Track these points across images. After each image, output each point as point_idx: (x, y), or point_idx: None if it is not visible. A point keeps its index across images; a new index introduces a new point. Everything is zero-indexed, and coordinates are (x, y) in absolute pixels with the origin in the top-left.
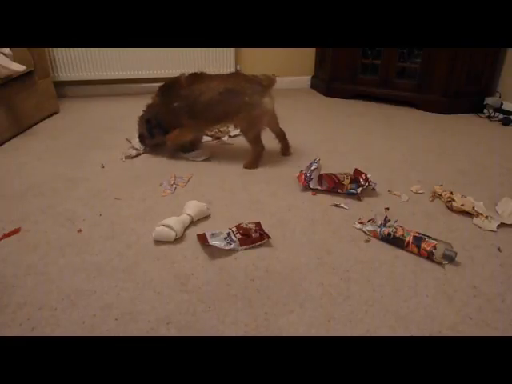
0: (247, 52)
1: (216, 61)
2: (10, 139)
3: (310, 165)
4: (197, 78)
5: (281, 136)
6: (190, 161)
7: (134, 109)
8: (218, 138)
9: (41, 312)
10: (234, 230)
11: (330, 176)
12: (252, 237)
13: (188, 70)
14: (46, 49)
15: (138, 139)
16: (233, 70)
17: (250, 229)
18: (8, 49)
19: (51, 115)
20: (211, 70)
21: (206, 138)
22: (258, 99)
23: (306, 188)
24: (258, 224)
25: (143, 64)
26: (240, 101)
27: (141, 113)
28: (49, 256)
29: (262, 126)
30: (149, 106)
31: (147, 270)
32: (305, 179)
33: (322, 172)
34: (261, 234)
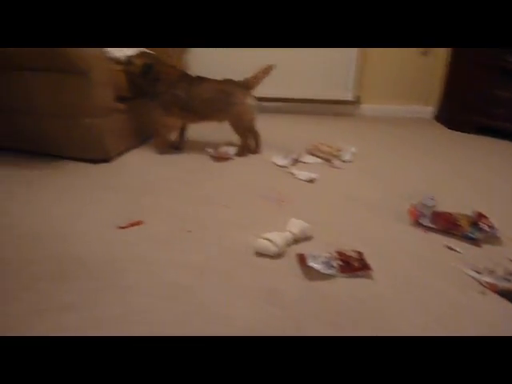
0: (368, 76)
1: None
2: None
3: (424, 200)
4: (200, 79)
5: (254, 135)
6: (297, 180)
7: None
8: (329, 161)
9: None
10: (335, 255)
11: (445, 214)
12: (352, 265)
13: None
14: None
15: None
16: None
17: (352, 257)
18: None
19: None
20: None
21: (316, 160)
22: (242, 99)
23: (417, 224)
24: (359, 253)
25: None
26: (228, 100)
27: None
28: (155, 250)
29: (246, 121)
30: (161, 65)
31: (243, 276)
32: (417, 214)
33: (436, 210)
34: (362, 265)
